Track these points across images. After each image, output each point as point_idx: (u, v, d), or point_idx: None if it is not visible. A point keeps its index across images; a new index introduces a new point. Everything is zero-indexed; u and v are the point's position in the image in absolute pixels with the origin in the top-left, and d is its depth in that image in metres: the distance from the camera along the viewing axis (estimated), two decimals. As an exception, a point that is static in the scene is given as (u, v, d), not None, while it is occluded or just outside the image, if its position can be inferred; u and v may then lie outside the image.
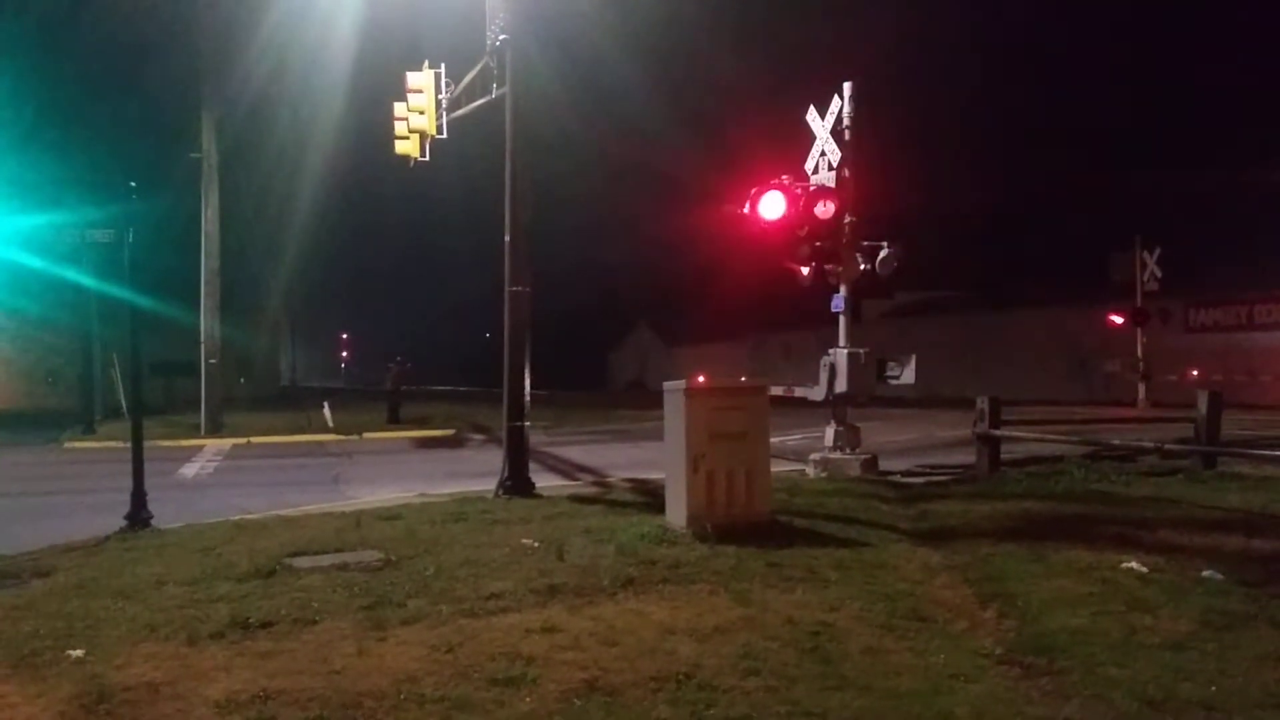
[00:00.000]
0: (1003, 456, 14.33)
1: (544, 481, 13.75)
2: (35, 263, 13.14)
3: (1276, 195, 36.07)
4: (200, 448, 22.58)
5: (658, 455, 10.85)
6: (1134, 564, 7.70)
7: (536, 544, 8.92)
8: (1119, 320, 34.78)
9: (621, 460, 17.36)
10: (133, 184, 11.02)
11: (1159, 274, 33.58)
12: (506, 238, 13.15)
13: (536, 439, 15.78)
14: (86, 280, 22.23)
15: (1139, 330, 33.75)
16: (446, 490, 13.34)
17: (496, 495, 12.54)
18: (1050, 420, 19.76)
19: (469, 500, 12.04)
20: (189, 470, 18.29)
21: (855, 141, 13.99)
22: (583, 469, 16.80)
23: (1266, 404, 29.28)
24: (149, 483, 10.89)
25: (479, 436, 24.19)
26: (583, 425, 28.40)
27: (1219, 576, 7.31)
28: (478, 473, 15.04)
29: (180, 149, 26.60)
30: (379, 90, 15.30)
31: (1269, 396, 30.81)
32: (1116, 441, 15.60)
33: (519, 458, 13.01)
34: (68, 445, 24.77)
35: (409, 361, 33.94)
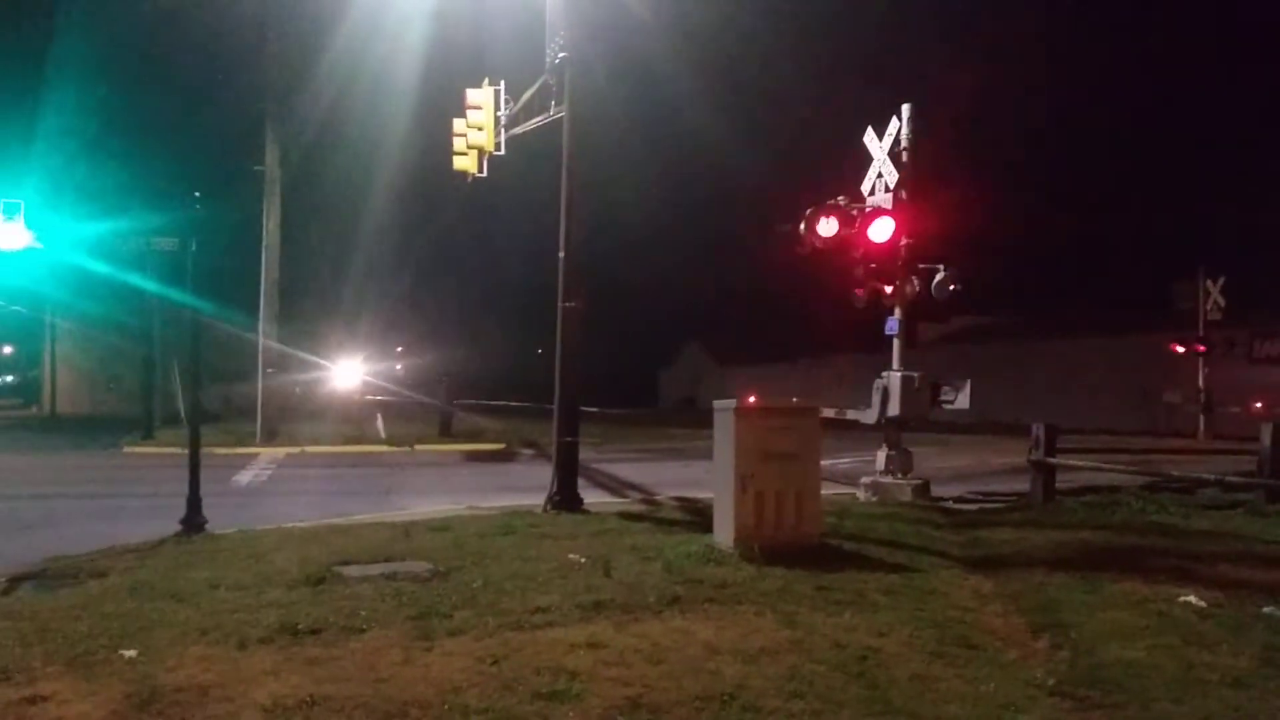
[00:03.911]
0: (1058, 485, 14.08)
1: (592, 498, 13.75)
2: (101, 268, 13.43)
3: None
4: (255, 455, 22.88)
5: (706, 474, 10.81)
6: (1192, 598, 7.53)
7: (583, 559, 8.92)
8: (1181, 349, 34.11)
9: (670, 478, 17.32)
10: (197, 194, 11.25)
11: (1223, 303, 32.91)
12: (561, 254, 13.21)
13: (586, 455, 15.80)
14: (150, 286, 22.67)
15: (1200, 360, 33.11)
16: (496, 503, 13.39)
17: (545, 510, 12.56)
18: (1107, 449, 19.43)
19: (518, 514, 12.07)
20: (243, 477, 18.54)
21: (912, 163, 13.89)
22: (631, 486, 16.78)
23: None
24: (204, 488, 11.06)
25: (529, 451, 24.26)
26: (632, 442, 28.40)
27: (1281, 613, 7.12)
28: (527, 487, 15.09)
29: (245, 160, 27.12)
30: (443, 107, 15.49)
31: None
32: (1175, 473, 15.27)
33: (568, 473, 13.03)
34: (127, 450, 25.26)
35: (460, 375, 34.22)
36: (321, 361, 38.32)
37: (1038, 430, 13.97)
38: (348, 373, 38.21)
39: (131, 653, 6.04)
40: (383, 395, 41.13)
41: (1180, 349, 34.09)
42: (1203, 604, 7.39)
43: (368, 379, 38.55)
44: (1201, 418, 32.69)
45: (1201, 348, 33.21)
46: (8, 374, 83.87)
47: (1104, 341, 41.29)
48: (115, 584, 8.07)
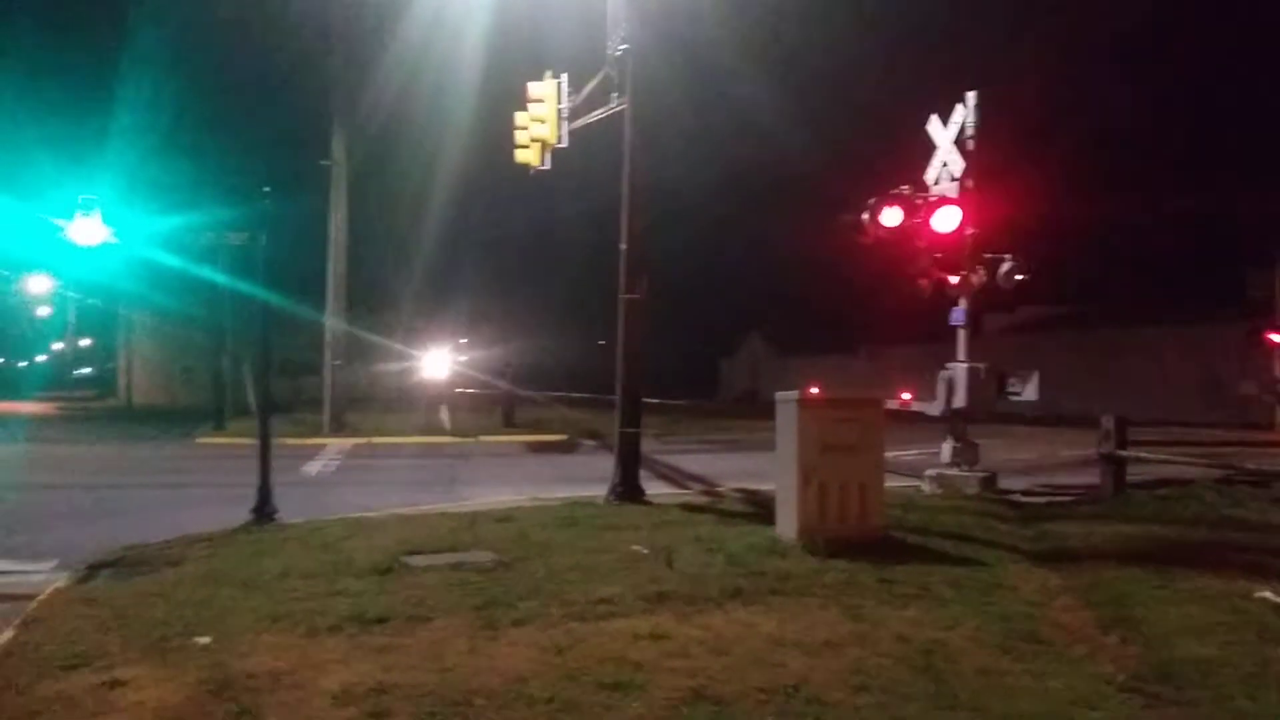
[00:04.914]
0: (1129, 478, 13.81)
1: (654, 489, 13.77)
2: (173, 262, 13.73)
3: None
4: (323, 446, 23.28)
5: (769, 466, 10.78)
6: (1268, 594, 7.34)
7: (646, 551, 8.95)
8: (1278, 339, 32.90)
9: (732, 470, 17.28)
10: (266, 188, 11.45)
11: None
12: (622, 246, 13.24)
13: (647, 446, 15.83)
14: (221, 280, 23.07)
15: (1277, 351, 32.16)
16: (559, 494, 13.47)
17: (608, 501, 12.62)
18: (1180, 442, 19.01)
19: (580, 505, 12.13)
20: (312, 468, 18.88)
21: (978, 151, 13.68)
22: (693, 477, 16.79)
23: None
24: (274, 478, 11.26)
25: (591, 442, 24.35)
26: (694, 434, 28.38)
27: (1362, 610, 6.92)
28: (589, 478, 15.15)
29: (312, 154, 27.55)
30: (507, 99, 15.56)
31: None
32: (1251, 466, 14.88)
33: (630, 464, 13.07)
34: (200, 440, 25.82)
35: (518, 366, 34.48)
36: (396, 351, 38.77)
37: (1108, 422, 13.71)
38: (433, 363, 38.35)
39: (205, 639, 6.19)
40: (468, 387, 41.42)
41: (1277, 338, 32.91)
42: (1279, 600, 7.21)
43: (457, 369, 38.59)
44: (1279, 409, 31.78)
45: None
46: (86, 366, 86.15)
47: (1176, 331, 40.34)
48: (189, 572, 8.26)
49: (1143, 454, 14.33)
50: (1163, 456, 14.88)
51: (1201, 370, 37.85)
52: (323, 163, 26.96)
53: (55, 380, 77.28)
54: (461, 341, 40.81)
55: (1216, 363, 36.88)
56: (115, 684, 5.40)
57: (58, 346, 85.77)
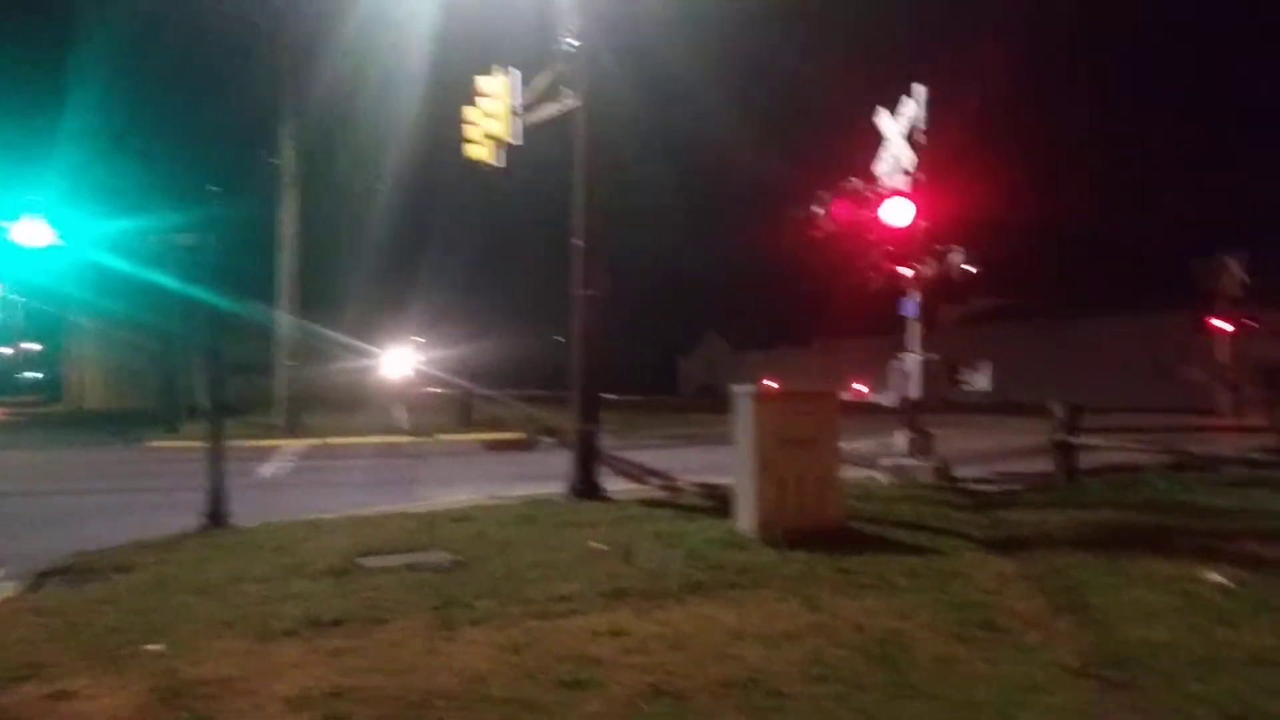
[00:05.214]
0: (1081, 465, 14.01)
1: (613, 485, 13.77)
2: (121, 265, 13.51)
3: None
4: (278, 447, 23.02)
5: (727, 460, 10.80)
6: (1217, 576, 7.48)
7: (605, 547, 8.94)
8: (1231, 327, 33.49)
9: (691, 465, 17.29)
10: (215, 189, 11.29)
11: (1247, 280, 32.59)
12: (580, 243, 13.20)
13: (606, 442, 15.78)
14: (171, 282, 22.74)
15: (1225, 338, 32.80)
16: (517, 492, 13.41)
17: (566, 498, 12.60)
18: (1130, 428, 19.31)
19: (539, 503, 12.10)
20: (267, 470, 18.65)
21: (927, 144, 13.80)
22: (652, 473, 16.77)
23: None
24: (228, 481, 11.11)
25: (549, 440, 24.27)
26: (652, 429, 28.38)
27: (1307, 591, 7.07)
28: (548, 475, 15.09)
29: (263, 153, 27.18)
30: (459, 95, 15.41)
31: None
32: (1199, 451, 15.15)
33: (588, 461, 13.06)
34: (151, 445, 25.44)
35: (476, 363, 34.31)
36: (352, 350, 38.37)
37: (1059, 409, 13.91)
38: (390, 362, 37.99)
39: (157, 647, 6.09)
40: (426, 386, 41.14)
41: (1230, 326, 33.52)
42: (1228, 582, 7.35)
43: (415, 367, 38.18)
44: (1228, 395, 32.42)
45: (1228, 326, 32.87)
46: (34, 370, 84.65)
47: (1124, 320, 41.03)
48: (140, 578, 8.13)
49: (1094, 441, 14.58)
50: (1113, 443, 15.13)
51: (1149, 357, 38.50)
52: (271, 160, 26.59)
53: (2, 385, 75.81)
54: (418, 340, 40.46)
55: (1164, 350, 37.54)
56: (65, 694, 5.30)
57: (4, 351, 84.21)
